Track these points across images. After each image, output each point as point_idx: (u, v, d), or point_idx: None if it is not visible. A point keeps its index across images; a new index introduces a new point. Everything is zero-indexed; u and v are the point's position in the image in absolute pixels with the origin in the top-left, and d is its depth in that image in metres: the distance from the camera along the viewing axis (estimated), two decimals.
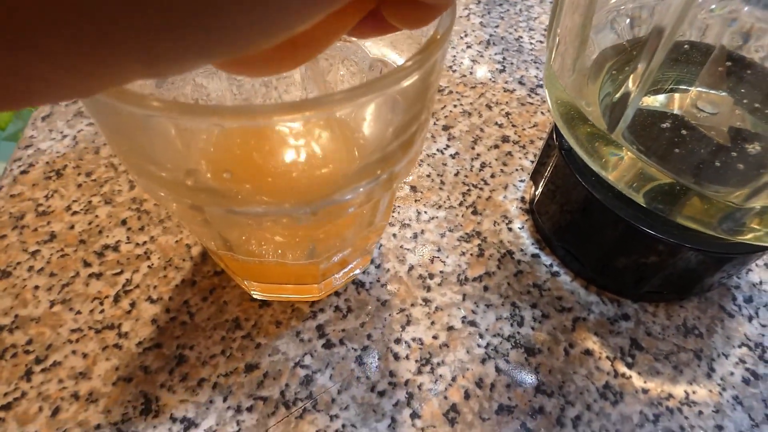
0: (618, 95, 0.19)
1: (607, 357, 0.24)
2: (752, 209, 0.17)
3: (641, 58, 0.19)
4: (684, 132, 0.20)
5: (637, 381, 0.23)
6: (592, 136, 0.21)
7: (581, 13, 0.21)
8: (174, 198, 0.15)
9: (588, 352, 0.24)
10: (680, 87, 0.22)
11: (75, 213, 0.27)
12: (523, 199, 0.29)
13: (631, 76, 0.19)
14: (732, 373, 0.24)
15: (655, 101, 0.22)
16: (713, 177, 0.19)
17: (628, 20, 0.23)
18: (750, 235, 0.18)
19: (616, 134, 0.19)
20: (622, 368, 0.23)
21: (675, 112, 0.21)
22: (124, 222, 0.26)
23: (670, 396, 0.23)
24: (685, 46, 0.21)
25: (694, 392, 0.23)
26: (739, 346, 0.24)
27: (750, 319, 0.25)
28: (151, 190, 0.16)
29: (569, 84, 0.21)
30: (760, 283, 0.27)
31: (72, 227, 0.26)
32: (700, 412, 0.22)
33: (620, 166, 0.20)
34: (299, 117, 0.12)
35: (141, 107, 0.12)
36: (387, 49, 0.23)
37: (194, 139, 0.13)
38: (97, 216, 0.27)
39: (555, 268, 0.26)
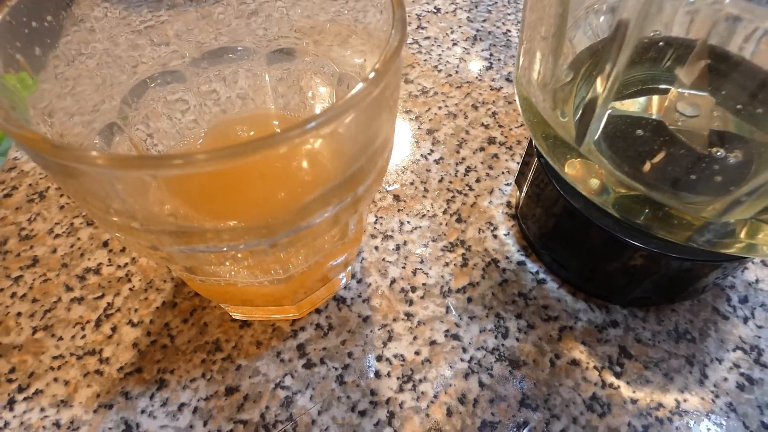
0: (586, 100, 0.18)
1: (595, 367, 0.23)
2: (728, 223, 0.16)
3: (607, 58, 0.17)
4: (660, 139, 0.19)
5: (626, 391, 0.22)
6: (562, 146, 0.20)
7: (555, 13, 0.20)
8: (126, 240, 0.15)
9: (575, 363, 0.23)
10: (659, 87, 0.21)
11: (57, 236, 0.27)
12: (509, 204, 0.28)
13: (598, 79, 0.18)
14: (726, 379, 0.23)
15: (632, 105, 0.21)
16: (690, 189, 0.18)
17: (602, 17, 0.22)
18: (734, 248, 0.17)
19: (584, 148, 0.18)
20: (610, 378, 0.23)
21: (653, 117, 0.20)
22: (105, 244, 0.26)
23: (660, 405, 0.22)
24: (661, 43, 0.20)
25: (685, 400, 0.22)
26: (734, 350, 0.24)
27: (745, 320, 0.25)
28: (108, 231, 0.16)
29: (541, 92, 0.20)
30: (756, 281, 0.26)
31: (54, 251, 0.26)
32: (692, 422, 0.22)
33: (591, 177, 0.19)
34: (232, 162, 0.12)
35: (68, 160, 0.11)
36: (357, 59, 0.22)
37: (130, 184, 0.13)
38: (79, 238, 0.27)
39: (541, 276, 0.26)
